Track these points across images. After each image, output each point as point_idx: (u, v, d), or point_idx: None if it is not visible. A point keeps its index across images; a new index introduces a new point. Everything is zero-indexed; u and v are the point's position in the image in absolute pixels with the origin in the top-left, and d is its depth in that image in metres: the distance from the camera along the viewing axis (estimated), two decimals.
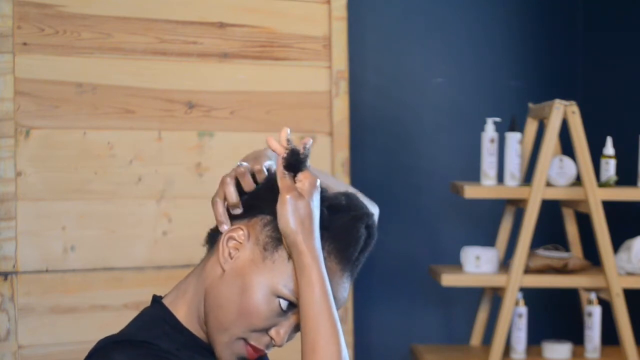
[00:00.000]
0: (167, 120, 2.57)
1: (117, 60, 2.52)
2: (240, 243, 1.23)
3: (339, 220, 1.23)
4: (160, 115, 2.57)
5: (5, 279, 2.38)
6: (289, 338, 1.25)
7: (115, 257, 2.51)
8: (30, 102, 2.42)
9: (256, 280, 1.20)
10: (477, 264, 2.84)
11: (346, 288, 1.25)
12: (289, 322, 1.23)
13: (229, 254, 1.23)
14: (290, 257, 1.21)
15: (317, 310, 1.17)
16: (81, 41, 2.48)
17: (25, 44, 2.42)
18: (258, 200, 1.26)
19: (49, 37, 2.45)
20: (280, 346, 1.24)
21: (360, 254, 1.25)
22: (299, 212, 1.18)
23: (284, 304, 1.21)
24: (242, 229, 1.23)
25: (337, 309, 1.24)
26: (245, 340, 1.22)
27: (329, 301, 1.18)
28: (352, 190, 1.39)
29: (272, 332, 1.22)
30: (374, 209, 1.43)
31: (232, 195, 1.25)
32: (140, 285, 2.52)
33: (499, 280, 2.81)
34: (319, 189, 1.22)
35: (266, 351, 1.24)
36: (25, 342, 2.40)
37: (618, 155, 2.86)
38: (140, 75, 2.55)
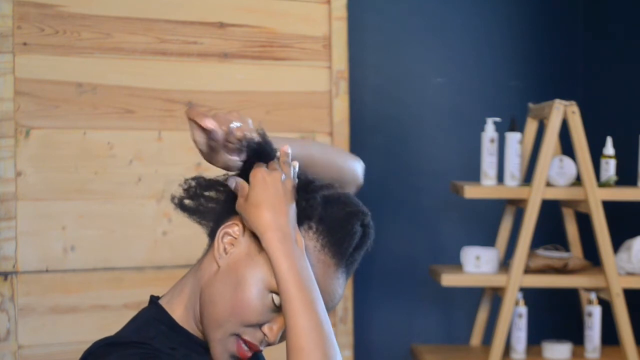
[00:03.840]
0: (167, 120, 2.57)
1: (117, 60, 2.52)
2: (236, 238, 1.23)
3: (333, 213, 1.23)
4: (160, 115, 2.56)
5: (5, 279, 2.38)
6: (284, 336, 1.23)
7: (115, 257, 2.51)
8: (30, 102, 2.42)
9: (250, 274, 1.20)
10: (477, 264, 2.84)
11: (341, 285, 1.24)
12: (282, 318, 1.21)
13: (224, 249, 1.23)
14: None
15: (292, 294, 1.16)
16: (81, 41, 2.48)
17: (25, 44, 2.42)
18: None
19: (49, 37, 2.45)
20: (274, 344, 1.23)
21: (355, 251, 1.24)
22: (249, 213, 1.20)
23: (277, 299, 1.19)
24: (237, 225, 1.23)
25: (333, 306, 1.23)
26: (238, 336, 1.21)
27: (303, 285, 1.16)
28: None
29: (265, 328, 1.21)
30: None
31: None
32: (140, 285, 2.52)
33: (499, 280, 2.81)
34: (248, 184, 1.21)
35: (260, 348, 1.23)
36: (25, 342, 2.40)
37: (618, 155, 2.86)
38: (140, 75, 2.55)
